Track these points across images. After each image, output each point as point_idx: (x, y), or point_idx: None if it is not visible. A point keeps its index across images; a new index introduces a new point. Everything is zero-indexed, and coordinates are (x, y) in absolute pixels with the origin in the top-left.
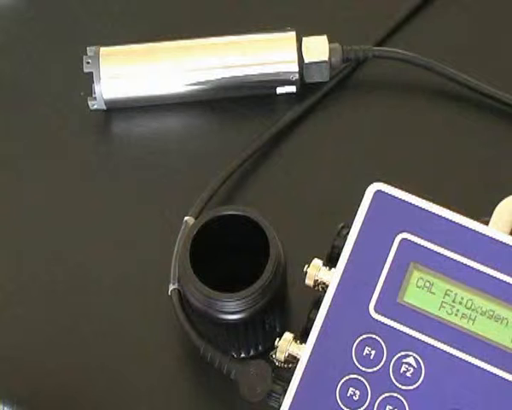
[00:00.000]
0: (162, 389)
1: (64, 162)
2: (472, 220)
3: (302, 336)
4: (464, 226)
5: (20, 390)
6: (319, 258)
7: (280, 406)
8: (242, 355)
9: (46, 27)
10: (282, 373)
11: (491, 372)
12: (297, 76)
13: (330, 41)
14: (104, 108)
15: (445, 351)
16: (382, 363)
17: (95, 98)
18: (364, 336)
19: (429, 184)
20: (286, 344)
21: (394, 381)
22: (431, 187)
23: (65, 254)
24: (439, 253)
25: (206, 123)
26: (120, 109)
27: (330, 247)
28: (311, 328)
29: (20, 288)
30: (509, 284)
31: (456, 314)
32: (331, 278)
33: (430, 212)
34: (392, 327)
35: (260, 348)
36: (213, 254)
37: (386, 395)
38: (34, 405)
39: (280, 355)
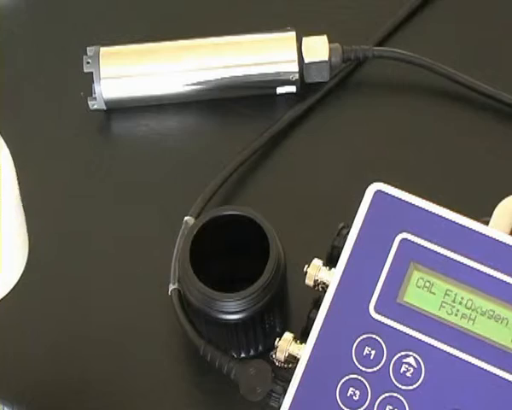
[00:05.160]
0: (162, 389)
1: (64, 162)
2: (472, 220)
3: (302, 336)
4: (464, 226)
5: (20, 390)
6: (319, 258)
7: (280, 406)
8: (242, 355)
9: (46, 27)
10: (282, 373)
11: (491, 372)
12: (297, 76)
13: (330, 41)
14: (104, 108)
15: (445, 351)
16: (382, 363)
17: (95, 98)
18: (364, 336)
19: (429, 184)
20: (286, 344)
21: (394, 381)
22: (431, 187)
23: (64, 254)
24: (439, 253)
25: (206, 123)
26: (120, 109)
27: (330, 247)
28: (311, 328)
29: (19, 288)
30: (508, 284)
31: (456, 314)
32: (331, 278)
33: (430, 212)
34: (392, 327)
35: (260, 348)
36: (213, 254)
37: (387, 395)
38: (34, 405)
39: (280, 355)
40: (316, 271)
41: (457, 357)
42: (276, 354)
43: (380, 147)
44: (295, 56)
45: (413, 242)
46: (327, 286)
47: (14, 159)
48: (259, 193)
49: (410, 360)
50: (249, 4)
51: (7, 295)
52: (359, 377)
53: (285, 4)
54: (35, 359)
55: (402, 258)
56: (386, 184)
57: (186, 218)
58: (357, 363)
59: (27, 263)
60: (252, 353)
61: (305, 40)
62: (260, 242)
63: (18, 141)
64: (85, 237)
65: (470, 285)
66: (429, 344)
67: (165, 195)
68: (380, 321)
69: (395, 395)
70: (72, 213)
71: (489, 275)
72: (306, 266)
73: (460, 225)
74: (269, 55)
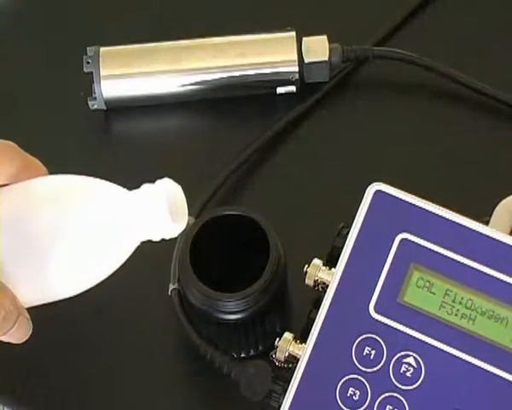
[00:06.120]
0: (162, 388)
1: (64, 162)
2: (472, 220)
3: (302, 336)
4: (464, 226)
5: (20, 390)
6: (319, 258)
7: (280, 405)
8: (242, 355)
9: (46, 28)
10: (282, 373)
11: (491, 372)
12: (297, 76)
13: (330, 41)
14: (104, 108)
15: (445, 351)
16: (382, 363)
17: (95, 98)
18: (364, 336)
19: (429, 184)
20: (286, 344)
21: (394, 381)
22: (431, 187)
23: None
24: (439, 253)
25: (205, 123)
26: (120, 109)
27: (330, 247)
28: (311, 328)
29: None
30: (508, 283)
31: (456, 314)
32: (331, 278)
33: (430, 212)
34: (392, 327)
35: (260, 348)
36: (213, 254)
37: (387, 395)
38: (34, 405)
39: (280, 355)
40: (316, 271)
41: (457, 357)
42: (276, 354)
43: (380, 147)
44: (295, 56)
45: (413, 242)
46: (327, 286)
47: None
48: (259, 193)
49: (410, 360)
50: (249, 4)
51: None
52: (359, 377)
53: (285, 4)
54: (35, 360)
55: (402, 258)
56: (386, 184)
57: None
58: (357, 363)
59: None
60: (252, 353)
61: (305, 40)
62: (260, 242)
63: (18, 141)
64: None
65: (470, 285)
66: (429, 344)
67: None
68: (380, 321)
69: (395, 395)
70: None
71: (489, 275)
72: (306, 266)
73: (460, 225)
74: (269, 55)
